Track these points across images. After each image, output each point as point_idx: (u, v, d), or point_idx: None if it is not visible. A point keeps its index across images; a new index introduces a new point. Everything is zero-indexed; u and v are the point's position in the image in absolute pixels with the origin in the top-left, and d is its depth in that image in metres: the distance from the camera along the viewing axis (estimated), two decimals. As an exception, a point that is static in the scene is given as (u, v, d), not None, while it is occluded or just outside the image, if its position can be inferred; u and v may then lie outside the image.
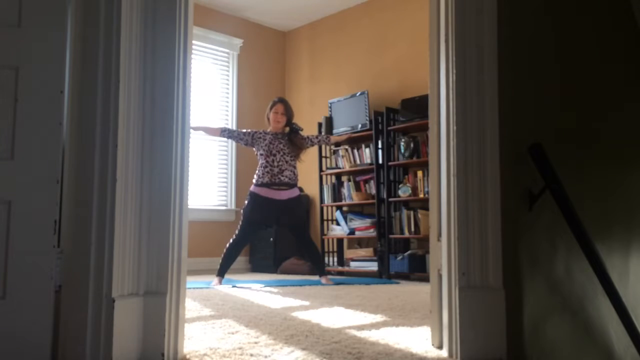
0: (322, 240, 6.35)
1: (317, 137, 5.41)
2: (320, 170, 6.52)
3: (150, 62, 1.86)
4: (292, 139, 5.00)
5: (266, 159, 4.86)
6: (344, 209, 6.41)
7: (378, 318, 2.79)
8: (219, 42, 6.85)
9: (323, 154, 6.56)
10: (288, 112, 5.03)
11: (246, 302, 3.48)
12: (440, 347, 1.98)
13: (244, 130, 5.06)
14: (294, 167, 4.99)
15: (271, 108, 5.02)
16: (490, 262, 1.85)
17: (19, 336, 1.66)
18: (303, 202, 5.82)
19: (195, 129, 4.95)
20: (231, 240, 4.89)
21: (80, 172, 1.75)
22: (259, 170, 4.90)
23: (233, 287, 4.58)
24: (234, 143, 6.89)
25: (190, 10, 1.94)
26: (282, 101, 5.05)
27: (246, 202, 4.95)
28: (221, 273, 4.76)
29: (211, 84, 6.81)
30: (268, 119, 5.05)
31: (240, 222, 4.97)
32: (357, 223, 6.07)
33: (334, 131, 6.38)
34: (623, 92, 2.22)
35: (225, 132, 5.02)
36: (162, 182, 1.84)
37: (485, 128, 1.90)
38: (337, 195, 6.40)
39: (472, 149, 1.89)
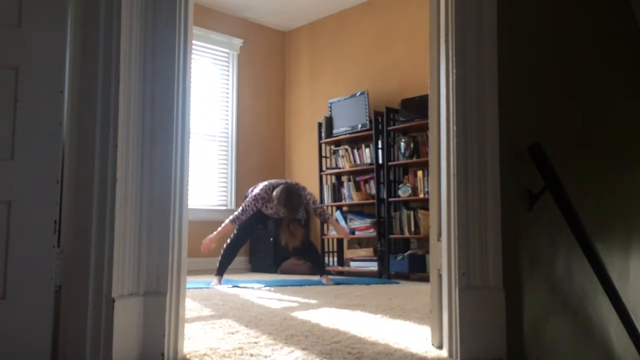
0: (322, 240, 6.35)
1: (315, 209, 4.95)
2: (320, 170, 6.52)
3: (150, 62, 1.86)
4: (290, 227, 4.74)
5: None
6: (344, 209, 6.41)
7: (378, 318, 2.79)
8: (219, 42, 6.85)
9: (323, 154, 6.56)
10: (292, 215, 4.73)
11: (246, 302, 3.48)
12: (440, 347, 1.98)
13: (249, 207, 4.76)
14: None
15: (278, 203, 4.64)
16: (490, 262, 1.85)
17: (19, 336, 1.66)
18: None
19: (212, 241, 4.80)
20: (229, 240, 4.94)
21: (80, 172, 1.75)
22: (261, 200, 4.82)
23: (233, 287, 4.58)
24: (234, 144, 6.90)
25: (190, 10, 1.93)
26: (290, 210, 4.65)
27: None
28: (220, 272, 4.78)
29: (211, 84, 6.81)
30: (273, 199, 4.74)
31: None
32: (357, 223, 6.07)
33: (334, 131, 6.38)
34: (623, 92, 2.22)
35: (236, 224, 4.79)
36: (162, 182, 1.83)
37: (485, 128, 1.90)
38: (337, 195, 6.40)
39: (472, 149, 1.89)
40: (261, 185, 4.91)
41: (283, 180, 4.97)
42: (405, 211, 5.66)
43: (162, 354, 1.77)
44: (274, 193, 4.68)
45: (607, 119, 2.16)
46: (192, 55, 1.97)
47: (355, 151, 6.28)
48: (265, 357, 1.86)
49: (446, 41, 1.95)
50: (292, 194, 4.65)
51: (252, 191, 5.00)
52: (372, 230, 5.89)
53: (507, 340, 1.82)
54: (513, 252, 1.88)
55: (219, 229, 4.84)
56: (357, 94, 6.20)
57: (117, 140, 1.74)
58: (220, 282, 4.73)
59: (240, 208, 4.83)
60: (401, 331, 2.37)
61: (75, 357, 1.68)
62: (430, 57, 2.14)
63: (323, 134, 6.49)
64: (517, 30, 2.00)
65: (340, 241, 6.36)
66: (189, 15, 1.93)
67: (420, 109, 5.45)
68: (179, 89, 1.88)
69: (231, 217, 4.82)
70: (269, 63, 7.38)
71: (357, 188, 6.22)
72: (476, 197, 1.88)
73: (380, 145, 5.91)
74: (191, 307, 3.16)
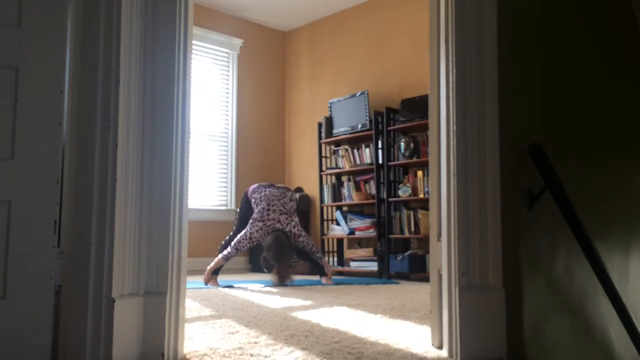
0: (322, 240, 6.35)
1: (306, 242, 4.86)
2: (320, 170, 6.52)
3: (150, 62, 1.86)
4: (280, 271, 4.75)
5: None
6: (344, 209, 6.41)
7: (378, 318, 2.79)
8: (219, 42, 6.85)
9: (323, 154, 6.56)
10: (282, 266, 4.71)
11: (246, 302, 3.48)
12: (440, 347, 1.98)
13: (243, 247, 4.71)
14: None
15: (267, 254, 4.64)
16: (490, 262, 1.85)
17: (19, 336, 1.66)
18: (300, 206, 5.83)
19: (211, 273, 4.71)
20: (227, 238, 4.97)
21: (80, 172, 1.75)
22: (256, 241, 4.76)
23: (225, 287, 4.58)
24: (234, 144, 6.90)
25: (190, 10, 1.94)
26: (280, 263, 4.65)
27: (242, 202, 5.05)
28: (216, 272, 4.76)
29: (211, 84, 6.81)
30: None
31: (236, 221, 5.07)
32: (357, 223, 6.07)
33: (334, 131, 6.38)
34: (623, 92, 2.22)
35: (229, 261, 4.73)
36: (162, 182, 1.83)
37: (485, 128, 1.90)
38: (337, 195, 6.39)
39: (472, 149, 1.89)
40: (259, 207, 4.76)
41: (281, 196, 4.86)
42: (405, 211, 5.66)
43: (162, 354, 1.77)
44: (266, 240, 4.63)
45: (607, 118, 2.16)
46: (192, 55, 1.97)
47: (355, 151, 6.28)
48: (265, 357, 1.86)
49: (446, 41, 1.95)
50: (283, 249, 4.61)
51: (252, 195, 4.97)
52: (372, 230, 5.89)
53: (507, 340, 1.82)
54: (513, 252, 1.88)
55: (212, 263, 4.74)
56: (357, 94, 6.20)
57: (117, 140, 1.74)
58: (217, 282, 4.72)
59: (234, 245, 4.70)
60: (401, 331, 2.37)
61: (75, 357, 1.68)
62: (430, 57, 2.14)
63: (323, 134, 6.49)
64: (517, 30, 2.00)
65: (340, 241, 6.36)
66: (189, 15, 1.93)
67: (420, 109, 5.45)
68: (179, 89, 1.88)
69: (225, 253, 4.70)
70: (269, 63, 7.38)
71: (357, 188, 6.22)
72: (476, 197, 1.88)
73: (380, 145, 5.91)
74: (191, 307, 3.16)
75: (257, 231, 4.68)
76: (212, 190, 6.74)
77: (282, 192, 4.96)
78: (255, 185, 5.08)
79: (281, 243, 4.61)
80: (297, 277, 5.55)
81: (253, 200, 4.92)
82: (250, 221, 4.76)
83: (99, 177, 1.73)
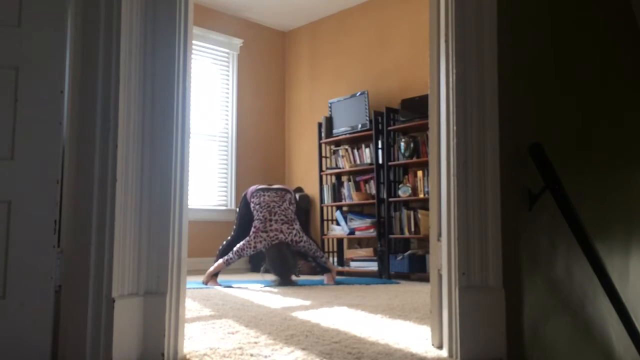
0: (322, 240, 6.35)
1: (307, 247, 4.88)
2: (320, 170, 6.52)
3: (150, 62, 1.86)
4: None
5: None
6: (344, 209, 6.41)
7: (378, 318, 2.79)
8: (219, 42, 6.84)
9: (323, 154, 6.56)
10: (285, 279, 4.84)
11: (246, 302, 3.48)
12: (440, 347, 1.98)
13: (244, 253, 4.77)
14: None
15: (269, 266, 4.76)
16: (490, 262, 1.85)
17: (19, 336, 1.66)
18: (300, 206, 5.83)
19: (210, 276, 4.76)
20: (226, 242, 4.96)
21: (80, 172, 1.75)
22: (259, 224, 4.79)
23: (228, 286, 4.58)
24: (234, 144, 6.90)
25: (190, 10, 1.94)
26: (283, 278, 4.78)
27: (241, 204, 5.05)
28: (216, 274, 4.76)
29: (211, 84, 6.81)
30: None
31: (236, 221, 5.06)
32: (357, 223, 6.07)
33: (334, 131, 6.38)
34: (623, 92, 2.22)
35: (233, 261, 4.75)
36: (162, 182, 1.83)
37: (485, 128, 1.90)
38: (337, 195, 6.39)
39: (472, 149, 1.89)
40: (260, 214, 4.78)
41: (281, 201, 4.89)
42: (405, 211, 5.65)
43: (162, 354, 1.77)
44: (270, 253, 4.71)
45: (607, 118, 2.16)
46: (192, 55, 1.97)
47: (355, 151, 6.28)
48: (265, 357, 1.86)
49: (446, 41, 1.95)
50: (286, 265, 4.72)
51: (251, 199, 4.96)
52: (372, 230, 5.89)
53: (507, 340, 1.82)
54: (513, 252, 1.88)
55: (212, 267, 4.76)
56: (357, 94, 6.20)
57: (117, 140, 1.74)
58: (216, 282, 4.73)
59: (236, 251, 4.72)
60: (401, 331, 2.37)
61: (75, 357, 1.68)
62: (430, 57, 2.14)
63: (323, 134, 6.49)
64: (517, 30, 2.00)
65: (340, 241, 6.36)
66: (189, 15, 1.93)
67: (420, 109, 5.45)
68: (179, 89, 1.88)
69: (226, 257, 4.73)
70: (269, 63, 7.38)
71: (357, 188, 6.22)
72: (476, 197, 1.88)
73: (380, 145, 5.91)
74: (191, 307, 3.16)
75: (260, 242, 4.74)
76: (212, 190, 6.74)
77: (281, 196, 4.96)
78: (253, 188, 5.07)
79: (285, 259, 4.70)
80: (297, 277, 5.56)
81: (252, 204, 4.92)
82: (254, 229, 4.77)
83: (99, 177, 1.73)
